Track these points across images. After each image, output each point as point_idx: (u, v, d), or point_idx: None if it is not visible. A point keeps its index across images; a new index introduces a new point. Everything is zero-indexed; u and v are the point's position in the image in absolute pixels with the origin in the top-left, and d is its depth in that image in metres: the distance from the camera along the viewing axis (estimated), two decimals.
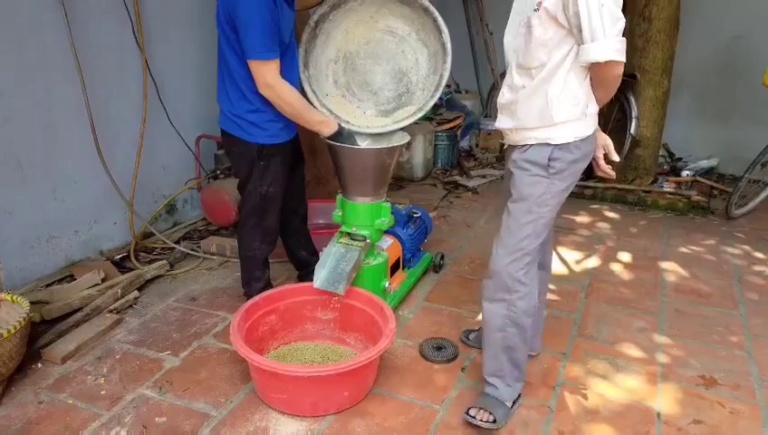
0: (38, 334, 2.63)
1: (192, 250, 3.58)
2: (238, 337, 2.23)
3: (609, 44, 1.78)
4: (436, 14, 2.58)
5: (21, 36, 2.82)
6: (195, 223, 3.98)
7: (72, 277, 3.10)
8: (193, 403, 2.28)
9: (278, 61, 2.34)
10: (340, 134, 2.60)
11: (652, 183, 4.82)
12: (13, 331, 2.22)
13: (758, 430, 2.20)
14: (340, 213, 2.82)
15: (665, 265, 3.62)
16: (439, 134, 5.40)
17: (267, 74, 2.32)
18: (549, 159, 1.97)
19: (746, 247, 3.90)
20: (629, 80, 4.51)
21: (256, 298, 2.54)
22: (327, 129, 2.55)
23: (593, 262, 3.63)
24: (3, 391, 2.30)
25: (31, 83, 2.90)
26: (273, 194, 2.65)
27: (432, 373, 2.50)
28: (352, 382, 2.23)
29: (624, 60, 1.83)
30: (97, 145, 3.20)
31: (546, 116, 1.93)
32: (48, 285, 3.02)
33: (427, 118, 5.21)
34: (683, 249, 3.86)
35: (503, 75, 2.13)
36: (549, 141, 1.95)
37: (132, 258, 3.40)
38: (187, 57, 3.74)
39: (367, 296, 2.58)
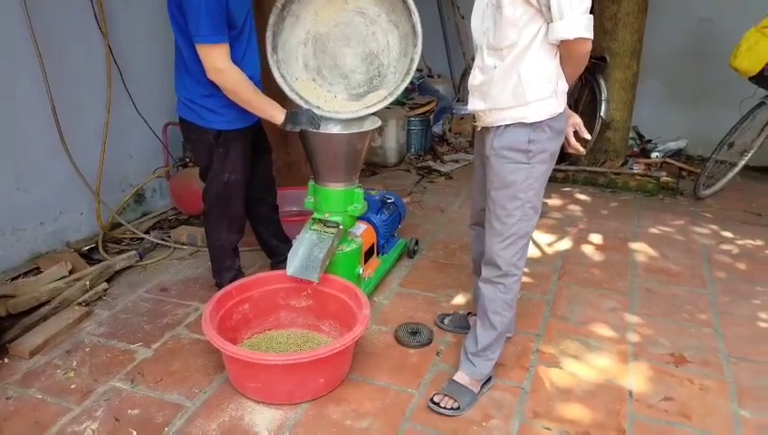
0: (4, 329, 2.55)
1: (162, 240, 3.52)
2: (210, 327, 2.20)
3: (577, 22, 1.80)
4: None
5: None
6: (164, 212, 3.91)
7: (38, 270, 3.03)
8: (166, 395, 2.25)
9: (227, 45, 2.27)
10: (299, 122, 2.48)
11: (622, 165, 4.87)
12: None
13: (726, 405, 2.26)
14: (312, 199, 2.79)
15: (635, 245, 3.67)
16: (412, 119, 5.38)
17: (216, 59, 2.26)
18: (528, 142, 1.97)
19: (714, 227, 3.98)
20: (599, 63, 4.54)
21: (228, 287, 2.50)
22: (281, 114, 2.46)
23: (565, 244, 3.67)
24: None
25: None
26: (236, 181, 2.60)
27: (407, 358, 2.50)
28: (328, 369, 2.22)
29: (592, 36, 1.85)
30: (60, 134, 3.11)
31: (519, 95, 1.93)
32: (13, 279, 2.95)
33: (399, 103, 5.18)
34: (653, 230, 3.92)
35: (474, 60, 2.12)
36: (523, 120, 1.96)
37: (100, 249, 3.33)
38: (152, 42, 3.64)
39: (341, 283, 2.56)
